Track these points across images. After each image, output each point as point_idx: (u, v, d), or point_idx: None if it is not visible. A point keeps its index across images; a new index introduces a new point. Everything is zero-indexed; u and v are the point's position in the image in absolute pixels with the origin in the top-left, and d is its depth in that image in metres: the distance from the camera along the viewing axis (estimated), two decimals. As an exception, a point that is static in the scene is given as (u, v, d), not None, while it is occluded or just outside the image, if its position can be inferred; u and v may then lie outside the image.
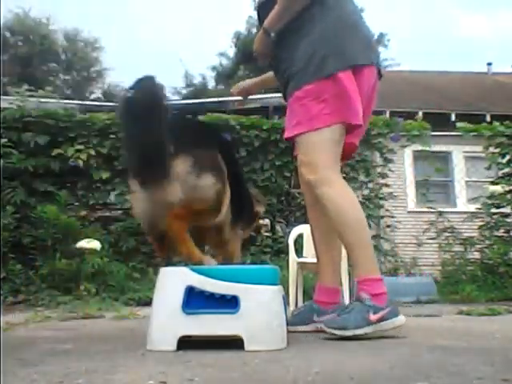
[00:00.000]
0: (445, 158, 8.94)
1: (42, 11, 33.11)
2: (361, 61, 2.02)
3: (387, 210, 5.98)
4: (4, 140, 5.16)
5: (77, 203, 5.44)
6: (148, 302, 2.25)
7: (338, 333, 1.81)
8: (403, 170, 8.62)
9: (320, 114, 1.96)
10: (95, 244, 4.49)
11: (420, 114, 8.37)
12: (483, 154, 5.93)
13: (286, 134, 2.12)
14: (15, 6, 28.01)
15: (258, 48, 2.19)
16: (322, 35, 2.00)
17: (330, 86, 1.95)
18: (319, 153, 1.99)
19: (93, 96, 25.21)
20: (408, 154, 8.44)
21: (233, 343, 1.58)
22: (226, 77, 24.48)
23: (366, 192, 5.83)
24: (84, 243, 4.48)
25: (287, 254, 4.22)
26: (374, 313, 1.83)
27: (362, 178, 5.84)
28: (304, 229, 4.57)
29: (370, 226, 5.48)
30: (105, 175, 5.45)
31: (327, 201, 1.98)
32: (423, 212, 6.55)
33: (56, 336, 2.14)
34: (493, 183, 5.62)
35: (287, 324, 1.80)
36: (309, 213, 2.28)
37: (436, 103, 10.12)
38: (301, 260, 4.15)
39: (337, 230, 2.02)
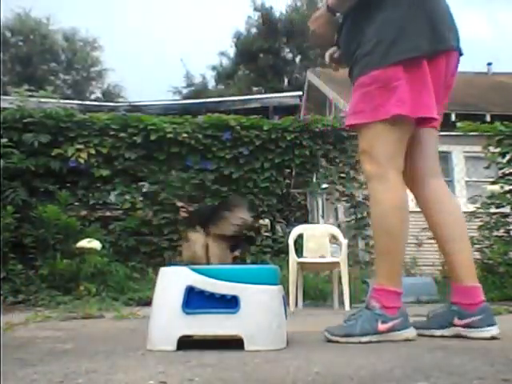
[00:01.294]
0: (445, 157, 8.93)
1: (42, 11, 33.11)
2: (437, 46, 1.81)
3: (387, 210, 5.96)
4: (4, 140, 5.16)
5: (77, 203, 5.44)
6: (148, 302, 2.25)
7: (343, 340, 1.73)
8: (403, 170, 8.61)
9: (386, 104, 1.77)
10: (96, 244, 4.49)
11: (420, 113, 8.35)
12: (483, 154, 5.92)
13: (348, 121, 1.96)
14: (16, 5, 28.03)
15: (317, 27, 2.00)
16: (394, 18, 1.81)
17: (400, 73, 1.76)
18: (382, 145, 1.82)
19: (93, 96, 25.25)
20: (408, 153, 8.44)
21: (233, 343, 1.58)
22: (226, 77, 24.51)
23: (366, 192, 5.83)
24: (84, 243, 4.48)
25: (287, 254, 4.22)
26: (383, 322, 1.74)
27: (362, 177, 5.84)
28: (304, 229, 4.57)
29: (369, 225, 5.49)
30: (105, 173, 5.47)
31: (373, 197, 1.86)
32: (423, 212, 6.53)
33: (56, 336, 2.14)
34: (492, 183, 5.61)
35: (423, 328, 1.88)
36: (423, 211, 2.06)
37: (436, 103, 10.10)
38: (301, 260, 4.16)
39: (372, 229, 1.91)
